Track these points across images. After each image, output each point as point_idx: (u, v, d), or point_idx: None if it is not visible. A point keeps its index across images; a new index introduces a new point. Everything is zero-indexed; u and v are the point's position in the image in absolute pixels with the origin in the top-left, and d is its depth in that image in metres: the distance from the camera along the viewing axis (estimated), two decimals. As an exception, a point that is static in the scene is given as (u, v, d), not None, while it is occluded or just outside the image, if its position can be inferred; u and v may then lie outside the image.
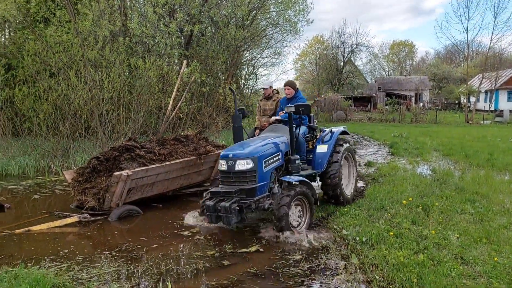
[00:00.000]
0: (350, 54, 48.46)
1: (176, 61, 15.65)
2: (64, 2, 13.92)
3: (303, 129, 6.85)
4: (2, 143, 12.20)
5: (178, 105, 11.34)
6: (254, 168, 5.59)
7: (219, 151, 8.94)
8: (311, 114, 7.07)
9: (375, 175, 9.55)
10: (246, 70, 27.09)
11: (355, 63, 53.05)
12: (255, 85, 26.64)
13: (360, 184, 8.76)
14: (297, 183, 5.67)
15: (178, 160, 8.10)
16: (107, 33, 12.40)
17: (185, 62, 10.44)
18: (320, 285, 3.92)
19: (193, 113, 15.41)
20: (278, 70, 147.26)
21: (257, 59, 26.25)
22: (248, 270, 4.30)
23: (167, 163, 7.85)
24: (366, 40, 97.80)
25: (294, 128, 6.29)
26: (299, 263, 4.51)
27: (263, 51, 25.81)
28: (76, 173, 7.71)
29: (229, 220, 5.30)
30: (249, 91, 25.98)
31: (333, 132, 7.06)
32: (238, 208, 5.32)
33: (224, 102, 16.61)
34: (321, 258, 4.63)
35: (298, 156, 6.18)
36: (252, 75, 26.15)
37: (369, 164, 11.39)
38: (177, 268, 4.47)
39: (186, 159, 8.25)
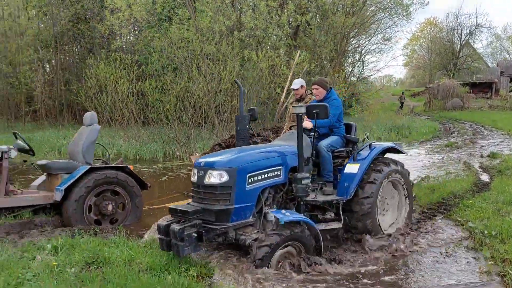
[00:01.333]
0: (468, 36, 44.37)
1: (283, 52, 16.04)
2: (184, 1, 15.15)
3: (332, 139, 5.20)
4: (134, 131, 13.89)
5: (291, 95, 11.70)
6: (230, 183, 4.25)
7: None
8: (353, 123, 5.64)
9: (501, 167, 8.85)
10: (352, 57, 26.60)
11: (473, 45, 48.37)
12: (362, 72, 26.00)
13: (485, 177, 8.21)
14: (290, 222, 4.15)
15: (292, 148, 8.47)
16: (223, 28, 13.23)
17: (298, 52, 10.72)
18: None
19: (300, 103, 15.69)
20: (387, 57, 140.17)
21: (365, 46, 25.55)
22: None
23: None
24: (487, 20, 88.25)
25: (317, 138, 5.02)
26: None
27: (371, 38, 25.02)
28: (201, 158, 8.54)
29: (178, 249, 4.03)
30: (355, 78, 25.50)
31: (373, 147, 5.18)
32: (195, 235, 4.10)
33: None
34: (447, 250, 4.58)
35: (307, 175, 4.52)
36: (359, 62, 25.58)
37: (493, 155, 10.58)
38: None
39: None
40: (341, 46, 19.26)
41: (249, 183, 4.35)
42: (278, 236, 4.07)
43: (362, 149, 5.21)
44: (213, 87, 12.31)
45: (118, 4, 14.26)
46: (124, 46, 16.64)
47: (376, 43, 26.16)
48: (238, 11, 15.14)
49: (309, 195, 4.57)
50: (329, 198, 4.86)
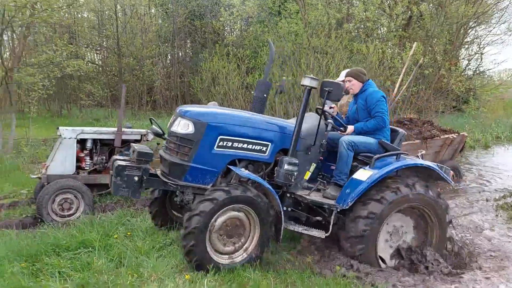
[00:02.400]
0: None
1: (394, 44, 15.46)
2: (294, -5, 15.45)
3: (361, 138, 4.41)
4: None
5: (404, 88, 11.31)
6: (194, 137, 3.83)
7: (446, 135, 8.66)
8: (402, 131, 4.77)
9: None
10: (469, 49, 24.47)
11: None
12: (480, 65, 23.85)
13: None
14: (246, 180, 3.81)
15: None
16: (333, 21, 13.21)
17: (415, 44, 10.31)
18: None
19: (409, 97, 15.05)
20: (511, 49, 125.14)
21: (485, 37, 23.36)
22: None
23: (391, 145, 8.07)
24: None
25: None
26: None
27: (493, 28, 22.74)
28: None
29: (115, 187, 3.79)
30: (472, 72, 23.47)
31: (400, 159, 4.34)
32: (136, 178, 3.78)
33: (446, 85, 15.60)
34: None
35: (295, 161, 3.93)
36: (477, 55, 23.48)
37: None
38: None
39: (409, 142, 8.31)
40: (457, 38, 17.89)
41: (219, 146, 3.90)
42: (224, 193, 3.58)
43: (386, 156, 4.30)
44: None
45: (233, 0, 15.08)
46: (235, 41, 17.46)
47: (499, 34, 23.75)
48: (348, 4, 14.95)
49: (290, 185, 3.99)
50: (319, 199, 4.15)
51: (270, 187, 3.82)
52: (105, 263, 3.92)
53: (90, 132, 6.19)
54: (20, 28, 9.19)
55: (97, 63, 21.26)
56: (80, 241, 4.36)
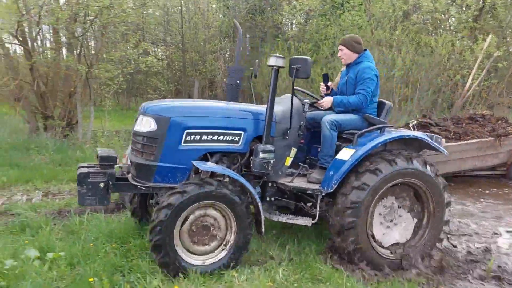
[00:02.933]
0: None
1: (464, 36, 14.73)
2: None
3: (343, 116, 4.19)
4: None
5: (476, 83, 10.86)
6: (157, 134, 3.60)
7: (523, 133, 8.21)
8: (388, 102, 4.47)
9: None
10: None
11: None
12: None
13: None
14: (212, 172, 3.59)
15: (473, 140, 7.93)
16: (400, 13, 12.85)
17: (490, 37, 9.81)
18: None
19: (480, 92, 14.32)
20: None
21: None
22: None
23: (462, 142, 7.80)
24: None
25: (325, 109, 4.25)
26: None
27: None
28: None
29: (80, 197, 3.55)
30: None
31: (384, 133, 4.07)
32: (102, 185, 3.56)
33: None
34: None
35: (270, 148, 3.70)
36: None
37: None
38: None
39: (482, 139, 7.98)
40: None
41: (186, 141, 3.67)
42: (196, 187, 3.34)
43: (370, 131, 4.05)
44: (384, 73, 12.14)
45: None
46: (296, 35, 17.47)
47: None
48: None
49: (268, 173, 3.76)
50: (303, 185, 3.92)
51: (241, 178, 3.54)
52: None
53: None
54: (98, 27, 9.84)
55: (162, 58, 22.19)
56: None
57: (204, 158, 3.84)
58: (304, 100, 4.16)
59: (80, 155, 9.44)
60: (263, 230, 3.65)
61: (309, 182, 4.06)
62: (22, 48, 10.17)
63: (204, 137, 3.72)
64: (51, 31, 10.66)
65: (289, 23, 20.98)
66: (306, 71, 3.59)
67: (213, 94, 20.46)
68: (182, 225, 3.45)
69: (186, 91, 20.78)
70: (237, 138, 3.84)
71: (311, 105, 4.33)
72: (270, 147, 3.71)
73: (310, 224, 3.97)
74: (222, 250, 3.64)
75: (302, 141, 4.34)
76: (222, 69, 19.76)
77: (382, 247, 4.10)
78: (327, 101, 4.28)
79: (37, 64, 9.79)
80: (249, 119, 3.88)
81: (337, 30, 14.01)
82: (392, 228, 4.15)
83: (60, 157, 9.14)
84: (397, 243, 4.16)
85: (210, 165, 3.61)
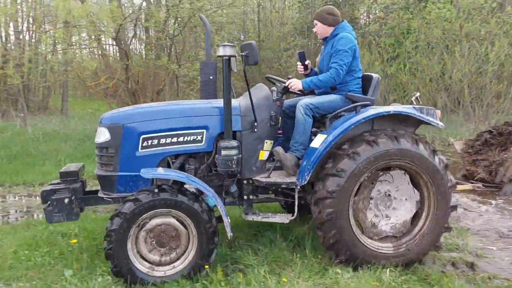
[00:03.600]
0: None
1: None
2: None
3: (321, 98, 3.90)
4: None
5: None
6: (112, 143, 3.48)
7: None
8: (375, 75, 4.10)
9: None
10: None
11: None
12: None
13: None
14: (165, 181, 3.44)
15: None
16: (494, 4, 11.99)
17: None
18: None
19: None
20: None
21: None
22: None
23: None
24: None
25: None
26: None
27: None
28: (466, 145, 8.17)
29: (48, 215, 3.45)
30: None
31: (361, 112, 3.66)
32: (67, 200, 3.43)
33: None
34: None
35: (233, 143, 3.50)
36: None
37: None
38: None
39: None
40: None
41: (143, 147, 3.52)
42: (150, 194, 3.17)
43: (345, 111, 3.73)
44: (476, 68, 11.42)
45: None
46: (375, 30, 16.98)
47: None
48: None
49: (233, 170, 3.53)
50: (278, 179, 3.70)
51: (192, 180, 3.36)
52: (283, 242, 4.26)
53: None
54: (187, 28, 10.31)
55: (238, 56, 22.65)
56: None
57: (167, 162, 3.72)
58: (272, 88, 3.95)
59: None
60: (229, 234, 3.35)
61: (288, 173, 3.83)
62: (117, 49, 10.99)
63: (163, 141, 3.56)
64: (144, 32, 11.38)
65: (368, 17, 20.45)
66: (254, 57, 3.33)
67: (287, 91, 20.53)
68: (138, 234, 3.27)
69: (261, 88, 21.11)
70: (199, 137, 3.63)
71: (286, 91, 4.03)
72: (232, 143, 3.49)
73: (287, 221, 3.73)
74: (183, 261, 3.39)
75: (279, 131, 4.08)
76: (296, 66, 19.75)
77: (373, 239, 3.78)
78: (295, 82, 3.92)
79: (131, 64, 10.50)
80: (211, 115, 3.65)
81: (421, 23, 13.38)
82: (385, 218, 3.80)
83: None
84: (395, 236, 3.82)
85: (156, 171, 3.39)
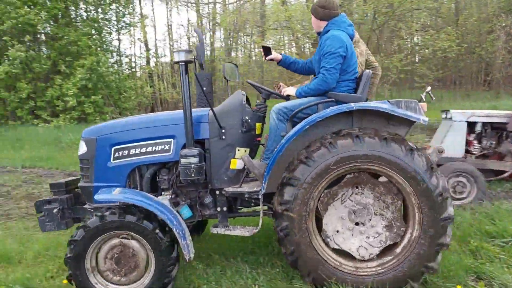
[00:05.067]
0: None
1: None
2: None
3: (297, 101, 3.53)
4: None
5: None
6: (88, 155, 3.61)
7: None
8: (367, 71, 3.51)
9: None
10: None
11: None
12: None
13: None
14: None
15: None
16: None
17: None
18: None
19: None
20: None
21: None
22: None
23: None
24: None
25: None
26: None
27: None
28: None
29: (41, 223, 3.64)
30: None
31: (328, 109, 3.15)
32: (55, 211, 3.61)
33: None
34: None
35: (194, 152, 3.25)
36: None
37: None
38: None
39: None
40: None
41: (115, 158, 3.56)
42: (97, 219, 3.14)
43: (304, 109, 3.41)
44: None
45: None
46: None
47: None
48: None
49: (193, 179, 3.30)
50: (239, 189, 3.50)
51: (139, 200, 3.24)
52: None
53: (481, 115, 5.99)
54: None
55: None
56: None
57: (138, 172, 3.69)
58: (242, 93, 3.66)
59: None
60: (186, 257, 3.15)
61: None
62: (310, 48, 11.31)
63: (132, 151, 3.57)
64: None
65: None
66: (200, 58, 3.17)
67: (488, 79, 18.09)
68: (98, 253, 3.28)
69: (456, 77, 19.08)
70: (167, 147, 3.55)
71: (269, 96, 3.83)
72: (192, 151, 3.31)
73: (248, 234, 3.44)
74: (141, 283, 3.27)
75: (258, 139, 3.77)
76: (502, 50, 17.22)
77: (346, 259, 3.26)
78: (289, 90, 3.80)
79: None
80: (178, 124, 3.50)
81: None
82: (358, 232, 3.26)
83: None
84: (376, 255, 3.24)
85: (108, 195, 3.36)
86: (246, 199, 3.55)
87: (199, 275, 3.63)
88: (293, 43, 10.80)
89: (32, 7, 14.84)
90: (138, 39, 23.17)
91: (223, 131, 3.52)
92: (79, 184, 3.74)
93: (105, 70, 16.24)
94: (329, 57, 3.45)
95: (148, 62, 22.48)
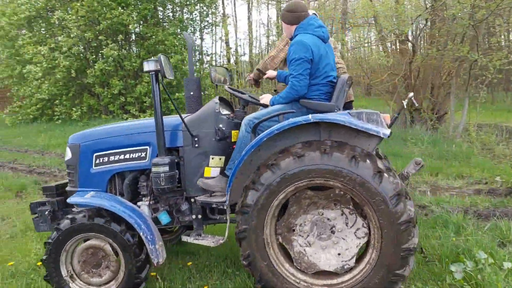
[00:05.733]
0: None
1: None
2: None
3: (268, 109, 3.53)
4: None
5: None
6: (73, 161, 3.72)
7: None
8: (345, 76, 3.54)
9: None
10: None
11: None
12: None
13: None
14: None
15: None
16: None
17: None
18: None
19: None
20: None
21: None
22: None
23: None
24: None
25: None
26: None
27: None
28: None
29: (35, 224, 3.81)
30: None
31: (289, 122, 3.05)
32: (46, 213, 3.73)
33: None
34: None
35: (164, 160, 3.28)
36: None
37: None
38: None
39: None
40: None
41: (96, 164, 3.69)
42: (68, 221, 3.29)
43: (266, 120, 3.31)
44: None
45: None
46: None
47: None
48: None
49: (163, 188, 3.29)
50: (208, 199, 3.46)
51: (99, 204, 3.37)
52: None
53: None
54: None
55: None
56: None
57: (118, 178, 3.78)
58: (215, 101, 3.60)
59: (454, 149, 9.10)
60: (154, 261, 3.24)
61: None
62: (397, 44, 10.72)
63: (112, 158, 3.66)
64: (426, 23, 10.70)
65: None
66: (165, 72, 3.20)
67: None
68: (72, 254, 3.46)
69: None
70: (143, 154, 3.62)
71: (248, 103, 3.82)
72: (162, 160, 3.32)
73: (214, 245, 3.44)
74: (114, 284, 3.40)
75: (234, 146, 3.63)
76: None
77: (306, 272, 3.19)
78: (265, 98, 3.72)
79: (415, 58, 10.04)
80: (154, 132, 3.46)
81: None
82: (322, 249, 3.19)
83: (437, 150, 9.09)
84: (335, 273, 3.15)
85: (81, 198, 3.50)
86: (214, 209, 3.57)
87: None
88: (376, 41, 10.32)
89: (125, 8, 15.81)
90: (220, 38, 23.80)
91: (196, 139, 3.53)
92: (67, 189, 3.86)
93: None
94: (294, 64, 3.40)
95: (228, 60, 22.98)
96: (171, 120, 3.60)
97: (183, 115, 3.53)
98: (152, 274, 3.83)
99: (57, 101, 17.72)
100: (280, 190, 2.99)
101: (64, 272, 3.39)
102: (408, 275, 2.96)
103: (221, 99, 3.76)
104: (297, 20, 3.59)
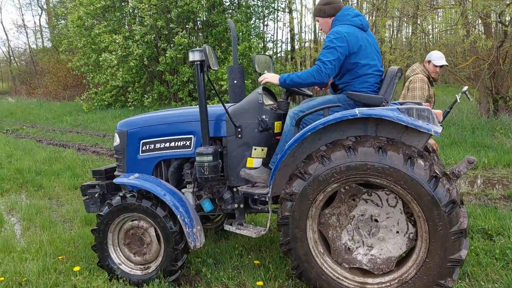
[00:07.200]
0: None
1: None
2: None
3: (314, 101, 3.48)
4: None
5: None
6: (120, 147, 3.85)
7: None
8: (395, 68, 3.39)
9: None
10: None
11: None
12: None
13: None
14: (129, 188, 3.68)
15: None
16: None
17: None
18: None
19: None
20: None
21: None
22: None
23: None
24: None
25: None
26: None
27: None
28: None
29: (86, 205, 3.97)
30: None
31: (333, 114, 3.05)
32: (97, 195, 3.89)
33: None
34: None
35: (208, 150, 3.29)
36: None
37: None
38: None
39: None
40: None
41: (143, 151, 3.79)
42: (120, 199, 3.45)
43: (311, 113, 3.24)
44: None
45: None
46: None
47: None
48: None
49: (207, 177, 3.33)
50: (250, 190, 3.47)
51: (150, 188, 3.40)
52: None
53: None
54: None
55: None
56: None
57: (162, 165, 3.86)
58: (258, 92, 3.49)
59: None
60: (191, 244, 3.33)
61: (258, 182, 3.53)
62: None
63: (158, 145, 3.75)
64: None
65: None
66: (208, 62, 3.16)
67: None
68: (118, 234, 3.61)
69: None
70: (188, 143, 3.67)
71: (291, 93, 3.78)
72: (207, 149, 3.34)
73: (255, 236, 3.43)
74: (152, 266, 3.54)
75: (278, 137, 3.58)
76: None
77: (342, 265, 3.07)
78: (269, 76, 3.55)
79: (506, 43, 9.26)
80: (199, 121, 3.45)
81: None
82: (365, 247, 3.02)
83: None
84: (372, 273, 2.99)
85: (126, 179, 3.60)
86: (256, 199, 3.53)
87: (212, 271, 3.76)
88: (464, 24, 9.60)
89: (195, -5, 16.03)
90: (284, 24, 23.54)
91: (239, 129, 3.52)
92: (115, 173, 4.00)
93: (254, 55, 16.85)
94: (326, 50, 3.26)
95: (293, 48, 22.71)
96: (215, 110, 3.61)
97: (227, 104, 3.54)
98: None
99: (130, 88, 18.48)
100: (328, 182, 2.88)
101: (109, 243, 3.57)
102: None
103: (264, 89, 3.69)
104: (334, 11, 3.48)
